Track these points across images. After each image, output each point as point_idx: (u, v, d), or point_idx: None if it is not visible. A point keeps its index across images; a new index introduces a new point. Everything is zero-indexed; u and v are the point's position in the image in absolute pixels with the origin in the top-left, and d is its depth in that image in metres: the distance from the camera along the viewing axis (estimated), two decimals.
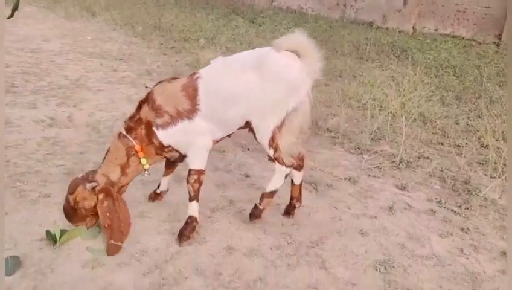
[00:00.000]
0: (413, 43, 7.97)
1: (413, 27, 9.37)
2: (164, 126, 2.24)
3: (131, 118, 2.31)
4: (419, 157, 3.61)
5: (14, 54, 6.10)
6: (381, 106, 4.55)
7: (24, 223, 2.37)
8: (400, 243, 2.45)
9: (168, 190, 2.72)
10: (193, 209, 2.37)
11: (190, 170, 2.34)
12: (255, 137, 2.33)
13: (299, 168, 2.51)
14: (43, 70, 5.42)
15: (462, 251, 2.42)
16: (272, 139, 2.25)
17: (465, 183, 3.17)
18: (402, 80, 5.27)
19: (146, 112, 2.26)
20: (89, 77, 5.28)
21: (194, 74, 2.29)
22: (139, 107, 2.30)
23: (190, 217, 2.36)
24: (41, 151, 3.23)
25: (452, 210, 2.83)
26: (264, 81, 2.15)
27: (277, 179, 2.39)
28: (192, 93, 2.21)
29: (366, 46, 7.41)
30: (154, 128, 2.25)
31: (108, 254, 2.16)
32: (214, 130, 2.31)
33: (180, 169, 2.73)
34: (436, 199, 2.97)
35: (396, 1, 9.60)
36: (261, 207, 2.46)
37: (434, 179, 3.29)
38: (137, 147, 2.27)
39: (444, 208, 2.86)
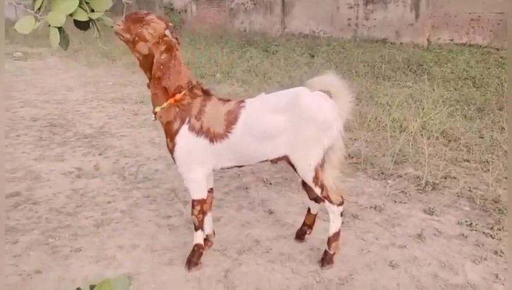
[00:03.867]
0: (429, 56, 7.91)
1: (427, 40, 9.32)
2: (191, 128, 2.31)
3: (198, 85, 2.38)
4: (445, 178, 3.54)
5: (40, 107, 6.37)
6: (401, 127, 4.51)
7: (58, 281, 2.43)
8: (432, 273, 2.40)
9: (214, 235, 2.74)
10: (198, 237, 2.51)
11: (193, 201, 2.45)
12: (299, 176, 2.43)
13: (319, 200, 2.52)
14: (69, 121, 5.63)
15: (497, 276, 2.34)
16: (316, 177, 2.33)
17: (495, 202, 3.09)
18: (421, 98, 5.23)
19: (198, 101, 2.33)
20: (112, 123, 5.45)
21: (242, 101, 2.37)
22: (204, 90, 2.39)
23: (196, 244, 2.51)
24: (71, 204, 3.33)
25: (484, 232, 2.76)
26: (299, 120, 2.24)
27: (335, 220, 2.45)
28: (231, 120, 2.30)
29: (381, 64, 7.40)
30: (187, 118, 2.32)
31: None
32: (227, 158, 2.38)
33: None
34: (466, 221, 2.90)
35: (408, 15, 9.61)
36: (331, 252, 2.48)
37: (463, 200, 3.21)
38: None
39: (476, 231, 2.79)
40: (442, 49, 8.48)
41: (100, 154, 4.39)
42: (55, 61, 10.95)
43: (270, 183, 3.62)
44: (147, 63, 2.32)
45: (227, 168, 2.48)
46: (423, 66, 7.24)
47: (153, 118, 2.45)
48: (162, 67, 2.24)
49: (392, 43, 9.59)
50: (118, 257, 2.65)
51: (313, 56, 8.73)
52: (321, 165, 2.31)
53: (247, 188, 3.55)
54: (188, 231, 2.85)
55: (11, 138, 4.92)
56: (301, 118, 2.23)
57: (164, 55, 2.24)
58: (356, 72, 7.27)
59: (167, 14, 15.12)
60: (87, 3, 1.31)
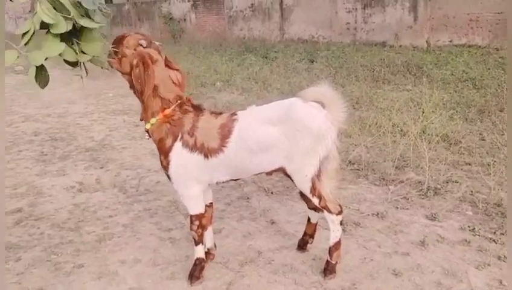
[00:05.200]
0: (428, 58, 7.91)
1: (426, 42, 9.32)
2: (185, 144, 2.31)
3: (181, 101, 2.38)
4: (447, 182, 3.52)
5: (42, 121, 6.41)
6: (402, 131, 4.50)
7: None
8: (435, 280, 2.38)
9: (216, 247, 2.74)
10: (199, 251, 2.53)
11: (191, 217, 2.46)
12: (297, 187, 2.43)
13: (318, 210, 2.51)
14: (70, 134, 5.65)
15: (501, 282, 2.32)
16: (314, 188, 2.32)
17: (498, 206, 3.07)
18: (420, 101, 5.22)
19: (190, 117, 2.34)
20: (113, 135, 5.46)
21: (234, 114, 2.37)
22: (194, 106, 2.40)
23: (197, 258, 2.52)
24: (73, 219, 3.33)
25: (487, 237, 2.74)
26: (293, 131, 2.23)
27: (334, 230, 2.43)
28: (225, 134, 2.30)
29: (381, 68, 7.40)
30: (179, 134, 2.32)
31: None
32: (222, 172, 2.38)
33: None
34: (469, 226, 2.88)
35: (406, 18, 9.62)
36: (333, 262, 2.47)
37: (465, 204, 3.19)
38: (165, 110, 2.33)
39: (478, 236, 2.77)
40: (442, 50, 8.48)
41: (101, 168, 4.40)
42: (56, 73, 10.99)
43: (272, 193, 3.61)
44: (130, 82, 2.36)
45: (223, 182, 2.47)
46: (422, 69, 7.23)
47: (147, 137, 2.45)
48: (139, 80, 2.26)
49: (391, 46, 9.60)
50: (120, 272, 2.65)
51: (313, 61, 8.74)
52: (317, 175, 2.30)
53: (248, 198, 3.55)
54: (189, 244, 2.83)
55: (13, 154, 4.95)
56: (295, 130, 2.22)
57: (138, 68, 2.25)
58: (356, 76, 7.27)
59: (166, 24, 15.21)
60: (78, 43, 1.32)
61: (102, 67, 1.86)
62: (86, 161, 4.61)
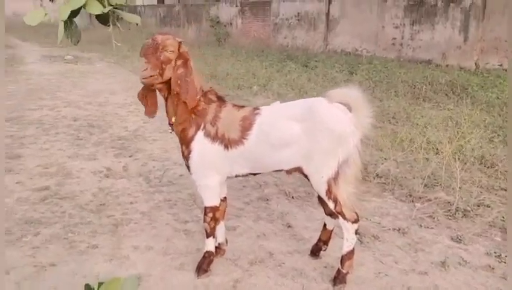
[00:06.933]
0: (475, 80, 7.59)
1: (475, 64, 8.96)
2: (207, 134, 2.31)
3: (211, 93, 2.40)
4: (478, 205, 3.34)
5: (83, 108, 6.64)
6: (437, 149, 4.32)
7: (70, 275, 2.47)
8: None
9: (227, 243, 2.72)
10: (209, 244, 2.52)
11: (205, 208, 2.45)
12: (314, 188, 2.38)
13: (335, 216, 2.43)
14: (107, 123, 5.82)
15: None
16: (329, 191, 2.26)
17: None
18: (461, 121, 5.01)
19: (213, 107, 2.34)
20: (146, 127, 5.57)
21: (257, 108, 2.36)
22: (218, 96, 2.40)
23: (207, 251, 2.51)
24: (95, 202, 3.41)
25: None
26: (314, 130, 2.19)
27: (348, 238, 2.36)
28: (246, 126, 2.28)
29: (423, 85, 7.18)
30: (202, 124, 2.32)
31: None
32: (241, 165, 2.36)
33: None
34: (495, 252, 2.71)
35: (456, 38, 9.30)
36: (344, 271, 2.40)
37: (494, 229, 3.02)
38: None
39: (504, 263, 2.60)
40: (490, 74, 8.12)
41: (130, 156, 4.49)
42: (103, 66, 11.43)
43: (292, 197, 3.56)
44: (163, 85, 2.33)
45: (242, 175, 2.45)
46: (467, 90, 6.95)
47: (170, 130, 2.46)
48: (179, 82, 2.24)
49: (437, 65, 9.29)
50: (132, 257, 2.67)
51: (353, 73, 8.61)
52: (335, 178, 2.23)
53: (267, 199, 3.50)
54: (202, 238, 2.80)
55: (50, 135, 5.14)
56: (317, 129, 2.18)
57: (181, 70, 2.25)
58: (395, 91, 7.09)
59: (213, 27, 15.48)
60: None
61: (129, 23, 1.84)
62: (117, 149, 4.72)
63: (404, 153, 4.25)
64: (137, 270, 2.54)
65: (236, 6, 15.24)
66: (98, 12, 1.32)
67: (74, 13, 1.29)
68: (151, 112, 2.43)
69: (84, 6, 1.26)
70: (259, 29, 14.48)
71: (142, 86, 2.37)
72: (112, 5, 1.37)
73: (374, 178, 3.89)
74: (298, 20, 13.02)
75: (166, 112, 2.40)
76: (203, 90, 2.36)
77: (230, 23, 15.60)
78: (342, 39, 11.69)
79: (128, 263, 2.62)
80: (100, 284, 2.38)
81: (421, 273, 2.53)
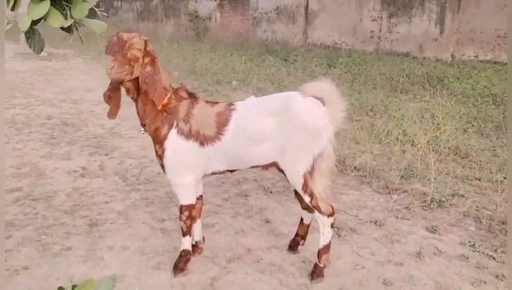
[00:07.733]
0: (451, 71, 7.70)
1: (451, 55, 9.09)
2: (180, 131, 2.27)
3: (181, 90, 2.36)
4: (453, 195, 3.39)
5: (57, 106, 6.49)
6: (412, 141, 4.37)
7: (43, 278, 2.41)
8: None
9: (204, 241, 2.70)
10: (186, 243, 2.49)
11: (181, 207, 2.41)
12: (289, 183, 2.37)
13: (311, 210, 2.43)
14: (82, 121, 5.70)
15: None
16: (305, 185, 2.26)
17: (502, 223, 2.93)
18: (436, 112, 5.07)
19: (185, 104, 2.30)
20: (123, 125, 5.48)
21: (232, 104, 2.33)
22: (189, 93, 2.36)
23: (184, 250, 2.48)
24: (69, 203, 3.34)
25: (487, 254, 2.61)
26: (288, 124, 2.18)
27: (324, 232, 2.36)
28: (223, 122, 2.25)
29: (400, 77, 7.25)
30: (175, 121, 2.27)
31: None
32: (218, 162, 2.33)
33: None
34: (469, 242, 2.75)
35: (432, 30, 9.41)
36: (321, 265, 2.40)
37: (469, 219, 3.07)
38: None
39: (478, 252, 2.64)
40: (466, 65, 8.25)
41: (106, 155, 4.41)
42: (78, 62, 11.21)
43: (271, 192, 3.55)
44: (132, 85, 2.27)
45: (219, 172, 2.42)
46: (443, 81, 7.05)
47: (143, 132, 2.41)
48: (147, 80, 2.19)
49: (414, 57, 9.39)
50: (106, 257, 2.62)
51: (331, 67, 8.64)
52: (310, 173, 2.23)
53: (246, 195, 3.49)
54: (180, 236, 2.76)
55: (23, 134, 5.01)
56: (291, 123, 2.17)
57: (149, 68, 2.20)
58: (373, 84, 7.15)
59: (192, 21, 15.31)
60: (69, 7, 1.27)
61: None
62: (93, 147, 4.63)
63: (381, 145, 4.29)
64: (112, 271, 2.50)
65: (215, 0, 15.10)
66: (59, 25, 1.27)
67: (35, 23, 1.24)
68: (112, 113, 2.38)
69: (44, 18, 1.21)
70: (238, 23, 14.38)
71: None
72: (73, 18, 1.32)
73: (352, 171, 3.91)
74: (277, 13, 12.97)
75: (137, 113, 2.35)
76: (173, 88, 2.32)
77: (209, 18, 15.44)
78: (321, 32, 11.71)
79: (102, 263, 2.57)
80: (74, 286, 2.35)
81: (397, 264, 2.55)
